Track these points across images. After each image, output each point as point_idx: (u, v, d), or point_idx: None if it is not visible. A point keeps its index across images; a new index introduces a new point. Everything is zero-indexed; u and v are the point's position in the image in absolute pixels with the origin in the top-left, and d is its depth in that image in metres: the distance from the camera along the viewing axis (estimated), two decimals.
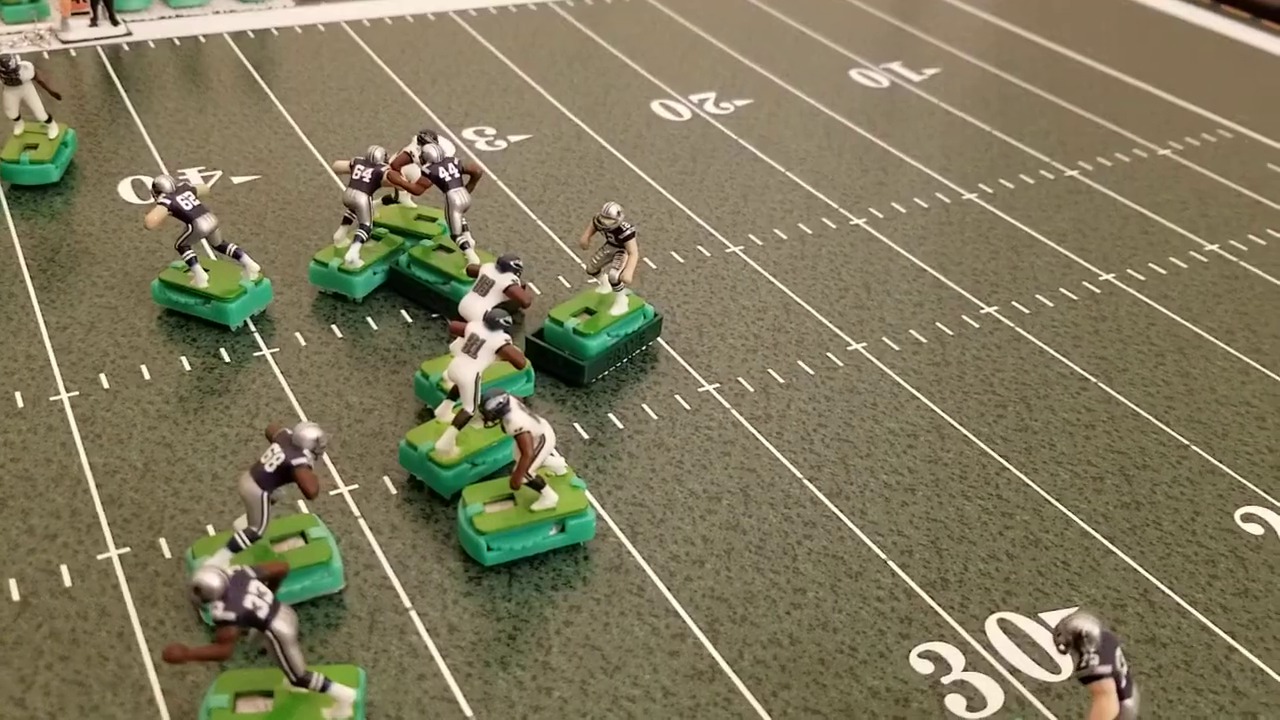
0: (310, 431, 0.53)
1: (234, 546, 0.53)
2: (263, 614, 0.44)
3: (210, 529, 0.58)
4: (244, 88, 1.04)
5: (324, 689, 0.47)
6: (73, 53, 1.07)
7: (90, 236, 0.81)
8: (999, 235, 0.90)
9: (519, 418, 0.56)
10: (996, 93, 1.14)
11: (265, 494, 0.52)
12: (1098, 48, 1.26)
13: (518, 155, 0.96)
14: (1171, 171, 1.01)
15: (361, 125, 0.99)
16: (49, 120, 0.86)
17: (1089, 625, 0.44)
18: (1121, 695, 0.44)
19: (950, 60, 1.21)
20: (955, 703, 0.53)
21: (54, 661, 0.51)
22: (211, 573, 0.44)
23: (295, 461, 0.52)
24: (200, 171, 0.89)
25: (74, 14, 1.09)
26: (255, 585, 0.45)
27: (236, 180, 0.89)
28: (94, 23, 1.09)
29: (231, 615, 0.44)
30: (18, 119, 0.86)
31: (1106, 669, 0.44)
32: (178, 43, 1.11)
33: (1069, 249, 0.89)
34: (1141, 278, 0.86)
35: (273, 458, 0.52)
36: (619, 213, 0.70)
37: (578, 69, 1.13)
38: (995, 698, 0.53)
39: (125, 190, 0.87)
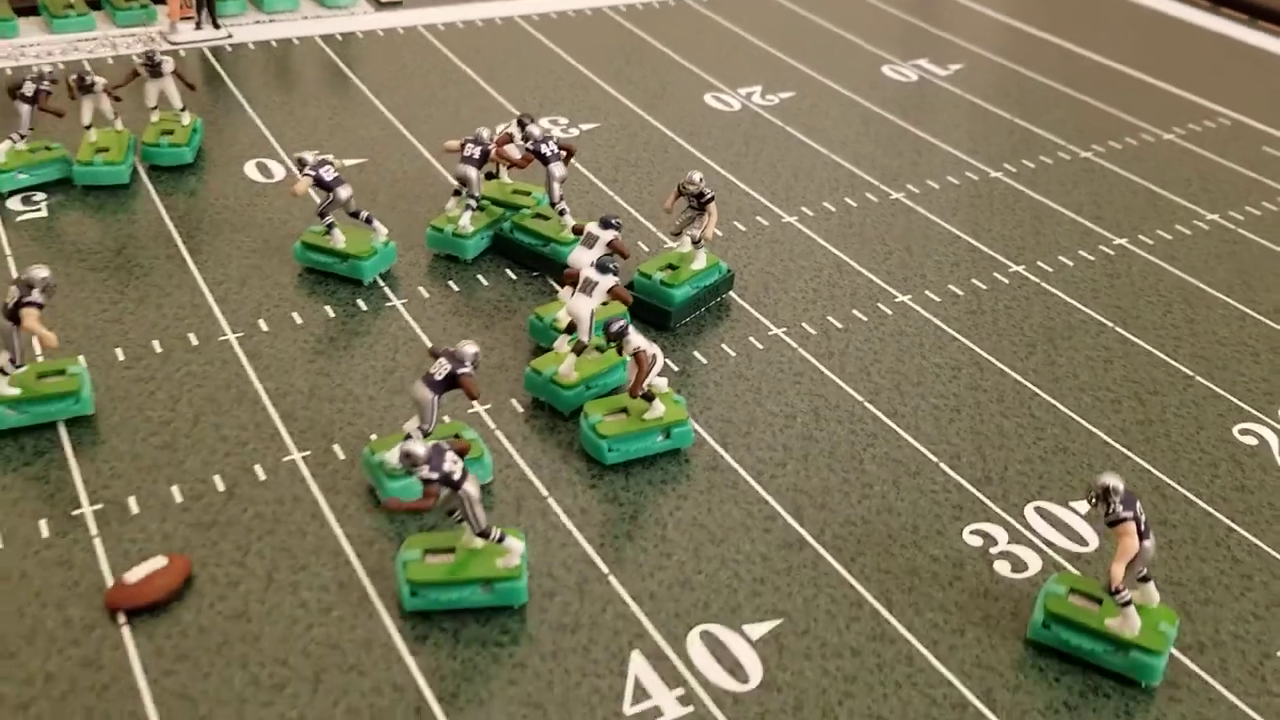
0: (470, 348, 0.64)
1: (408, 438, 0.64)
2: (457, 477, 0.56)
3: (373, 436, 0.69)
4: (339, 83, 1.16)
5: (500, 540, 0.58)
6: (181, 53, 1.19)
7: (227, 209, 0.93)
8: (1023, 207, 1.01)
9: (636, 339, 0.67)
10: (1016, 85, 1.26)
11: (436, 398, 0.63)
12: (1107, 46, 1.38)
13: (590, 141, 1.08)
14: (1176, 153, 1.13)
15: (447, 116, 1.10)
16: (183, 109, 0.98)
17: (1115, 481, 0.56)
18: (1141, 537, 0.55)
19: (973, 57, 1.33)
20: (1001, 566, 0.64)
21: (263, 535, 0.63)
22: (417, 443, 0.55)
23: (460, 371, 0.63)
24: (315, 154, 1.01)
25: (181, 19, 1.21)
26: (450, 455, 0.56)
27: (347, 162, 1.00)
28: (198, 26, 1.21)
29: (435, 476, 0.55)
30: (155, 108, 0.98)
31: (1129, 514, 0.55)
32: (274, 44, 1.23)
33: (1085, 218, 1.00)
34: (1150, 242, 0.97)
35: (440, 369, 0.63)
36: (701, 179, 0.81)
37: (635, 66, 1.24)
38: (1035, 563, 0.64)
39: (250, 170, 0.98)
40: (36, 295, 0.65)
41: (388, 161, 1.01)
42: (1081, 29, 1.43)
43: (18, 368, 0.67)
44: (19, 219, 0.89)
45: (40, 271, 0.66)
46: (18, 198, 0.91)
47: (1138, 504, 0.56)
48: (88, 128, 0.94)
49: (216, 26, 1.22)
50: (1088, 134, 1.16)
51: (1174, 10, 1.52)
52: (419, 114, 1.11)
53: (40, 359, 0.73)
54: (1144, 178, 1.08)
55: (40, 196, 0.92)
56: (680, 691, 0.56)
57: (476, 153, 0.87)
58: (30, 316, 0.65)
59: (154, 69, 0.95)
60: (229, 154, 1.01)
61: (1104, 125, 1.18)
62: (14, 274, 0.82)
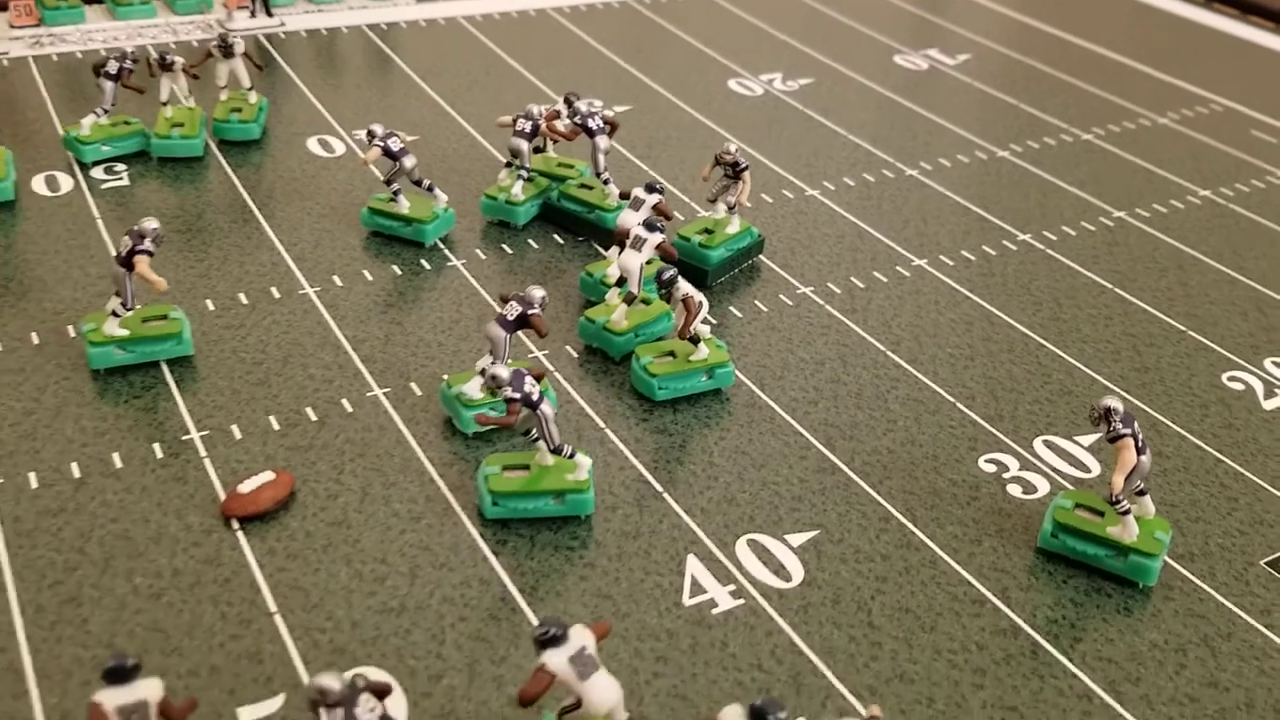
0: (538, 291, 0.71)
1: (484, 373, 0.71)
2: (535, 397, 0.63)
3: (445, 377, 0.77)
4: (387, 69, 1.23)
5: (570, 456, 0.65)
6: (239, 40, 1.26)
7: (295, 180, 1.00)
8: (1029, 182, 1.09)
9: (685, 286, 0.75)
10: (1021, 74, 1.33)
11: (507, 336, 0.71)
12: (1107, 38, 1.45)
13: (624, 121, 1.15)
14: (1170, 136, 1.20)
15: (490, 99, 1.18)
16: (251, 89, 1.06)
17: (1115, 403, 0.63)
18: (1139, 452, 0.63)
19: (980, 48, 1.40)
20: (1013, 489, 0.71)
21: (354, 458, 0.70)
22: (501, 368, 0.63)
23: (530, 311, 0.70)
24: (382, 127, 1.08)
25: (238, 8, 1.28)
26: (529, 379, 0.63)
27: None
28: (253, 14, 1.29)
29: (517, 395, 0.62)
30: (224, 87, 1.05)
31: (1128, 430, 0.62)
32: (324, 32, 1.30)
33: (1087, 193, 1.07)
34: (1147, 215, 1.05)
35: (512, 310, 0.71)
36: (736, 149, 0.89)
37: (662, 55, 1.32)
38: (1044, 487, 0.72)
39: (313, 146, 1.06)
40: (148, 244, 0.73)
41: (437, 139, 1.09)
42: (1082, 22, 1.51)
43: (128, 310, 0.74)
44: (103, 186, 0.97)
45: (151, 223, 0.73)
46: (101, 168, 0.99)
47: (1135, 423, 0.63)
48: (165, 104, 1.01)
49: (270, 15, 1.29)
50: (1088, 118, 1.23)
51: (1170, 6, 1.60)
52: (463, 97, 1.18)
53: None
54: (1141, 158, 1.15)
55: (121, 167, 0.99)
56: (732, 587, 0.63)
57: (527, 127, 0.95)
58: (142, 263, 0.72)
59: (226, 50, 1.02)
60: (290, 131, 1.08)
61: (1104, 110, 1.25)
62: (104, 235, 0.90)
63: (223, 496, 0.66)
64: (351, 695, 0.45)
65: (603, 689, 0.49)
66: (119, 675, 0.45)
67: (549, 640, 0.48)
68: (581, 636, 0.49)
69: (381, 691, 0.47)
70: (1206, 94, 1.31)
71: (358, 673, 0.47)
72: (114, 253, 0.74)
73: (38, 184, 0.96)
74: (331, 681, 0.45)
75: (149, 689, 0.45)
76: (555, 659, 0.48)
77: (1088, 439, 0.76)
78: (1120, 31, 1.49)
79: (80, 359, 0.76)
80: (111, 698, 0.45)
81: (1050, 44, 1.43)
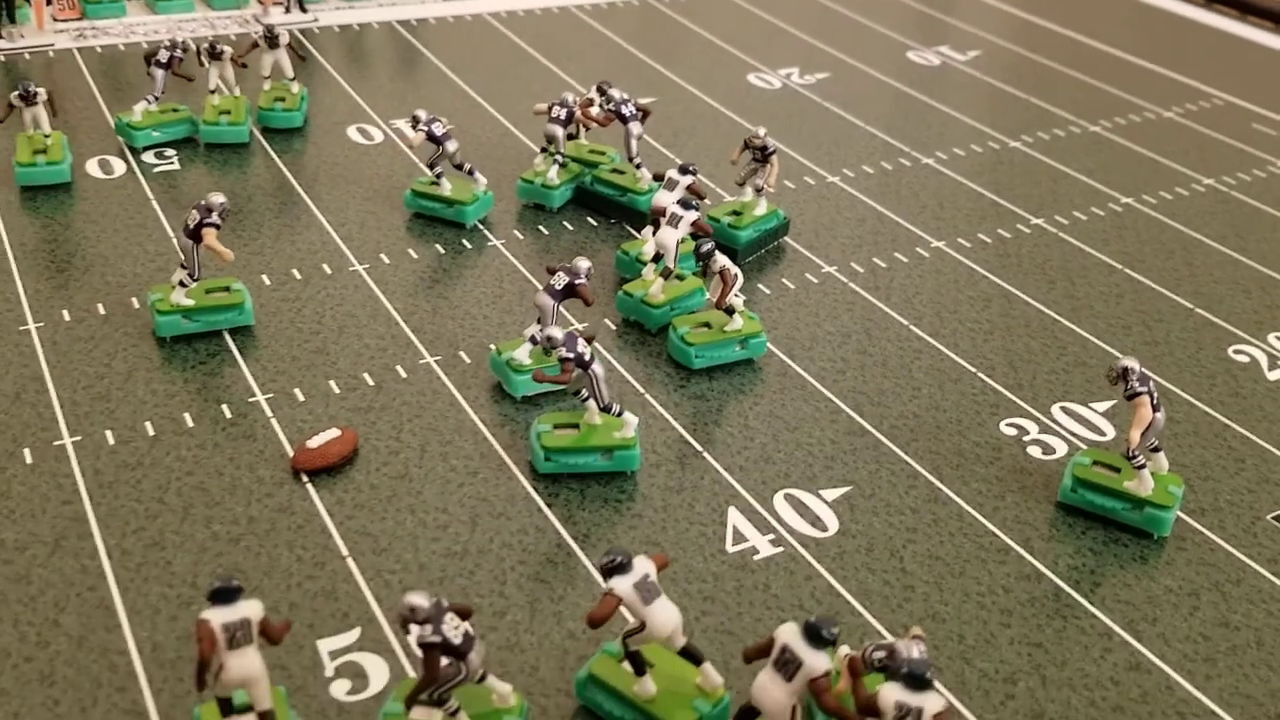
0: (584, 262, 0.75)
1: (533, 340, 0.75)
2: (588, 357, 0.67)
3: (491, 346, 0.81)
4: (419, 62, 1.27)
5: (619, 414, 0.69)
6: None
7: (337, 165, 1.04)
8: (1040, 171, 1.13)
9: (721, 259, 0.79)
10: (1030, 70, 1.38)
11: (555, 304, 0.75)
12: (1113, 36, 1.50)
13: (648, 120, 1.19)
14: (1175, 128, 1.25)
15: (519, 90, 1.22)
16: (293, 79, 1.10)
17: (1132, 363, 0.67)
18: (1154, 409, 0.67)
19: (989, 45, 1.45)
20: (1034, 450, 0.75)
21: (411, 418, 0.74)
22: (557, 330, 0.67)
23: (577, 281, 0.74)
24: (406, 122, 1.13)
25: (274, 4, 1.33)
26: (581, 341, 0.67)
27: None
28: (288, 10, 1.33)
29: (570, 355, 0.66)
30: (267, 77, 1.10)
31: (1144, 389, 0.66)
32: (356, 28, 1.35)
33: (1096, 181, 1.12)
34: (1154, 201, 1.09)
35: (559, 280, 0.75)
36: (765, 133, 0.93)
37: (683, 50, 1.36)
38: (1061, 448, 0.76)
39: (353, 134, 1.10)
40: (215, 217, 0.76)
41: (471, 128, 1.13)
42: (1089, 21, 1.55)
43: (195, 281, 0.78)
44: (154, 170, 1.01)
45: (217, 197, 0.77)
46: (151, 152, 1.03)
47: (1150, 382, 0.68)
48: (212, 92, 1.05)
49: (304, 10, 1.34)
50: (1096, 111, 1.27)
51: (1172, 6, 1.65)
52: (494, 88, 1.22)
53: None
54: (1146, 148, 1.19)
55: (171, 152, 1.03)
56: (772, 536, 0.67)
57: (563, 114, 0.99)
58: (210, 235, 0.76)
59: (272, 40, 1.06)
60: (330, 120, 1.12)
61: (1110, 104, 1.30)
62: (160, 215, 0.94)
63: (290, 453, 0.70)
64: (438, 613, 0.49)
65: (664, 613, 0.53)
66: (224, 595, 0.49)
67: (615, 568, 0.52)
68: (644, 565, 0.53)
69: (464, 612, 0.51)
70: (1209, 89, 1.35)
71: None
72: (177, 227, 0.78)
73: (91, 167, 1.00)
74: (421, 600, 0.49)
75: (251, 609, 0.49)
76: (621, 585, 0.52)
77: (1103, 405, 0.80)
78: (1125, 30, 1.54)
79: (146, 328, 0.80)
80: (217, 615, 0.49)
81: (1058, 42, 1.48)
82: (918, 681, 0.46)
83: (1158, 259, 0.99)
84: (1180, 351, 0.87)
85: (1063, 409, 0.80)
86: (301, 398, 0.75)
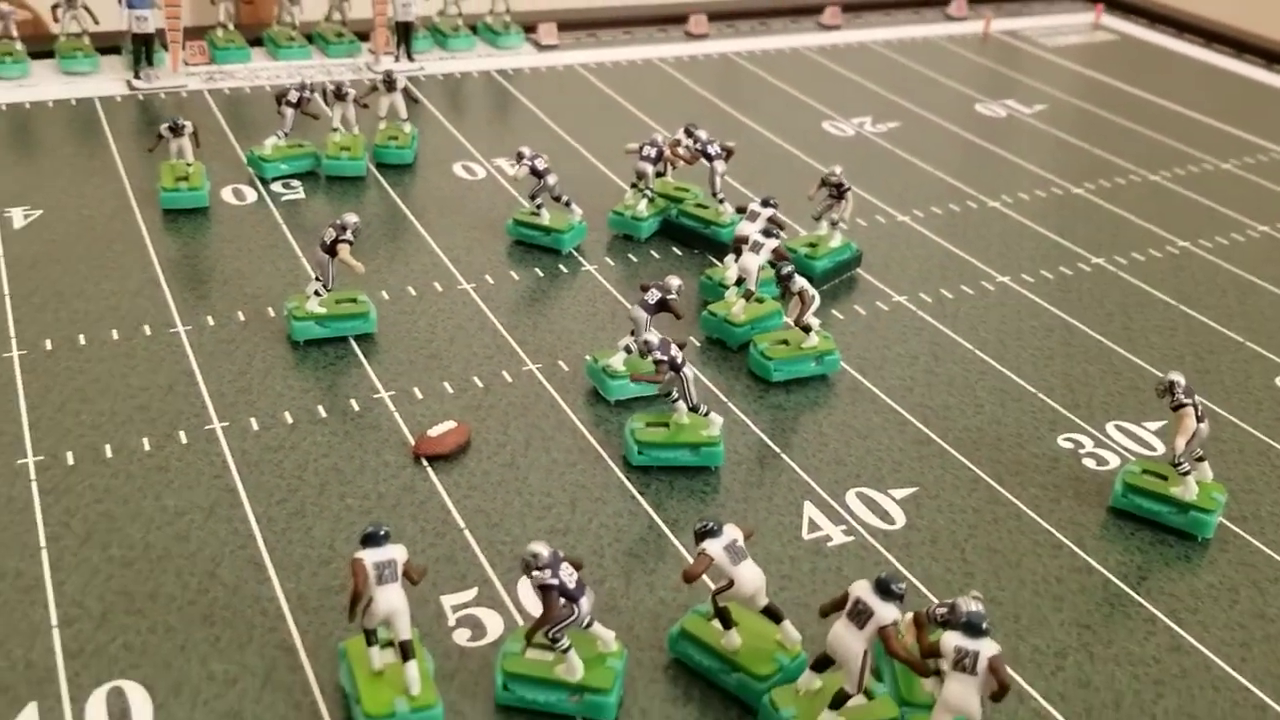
0: (675, 280, 0.83)
1: (627, 350, 0.83)
2: (680, 360, 0.75)
3: (587, 357, 0.89)
4: (515, 107, 1.37)
5: (706, 414, 0.76)
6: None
7: (445, 198, 1.14)
8: (1101, 216, 1.19)
9: (800, 280, 0.86)
10: (1093, 123, 1.44)
11: (649, 317, 0.83)
12: (1174, 93, 1.56)
13: (731, 159, 1.27)
14: (1232, 179, 1.30)
15: (609, 134, 1.31)
16: (406, 120, 1.20)
17: (1178, 376, 0.73)
18: (1198, 420, 0.73)
19: (1054, 100, 1.52)
20: (1088, 462, 0.81)
21: (516, 416, 0.82)
22: (654, 335, 0.75)
23: (669, 297, 0.82)
24: (507, 161, 1.22)
25: (384, 53, 1.44)
26: (674, 346, 0.75)
27: None
28: (396, 59, 1.44)
29: (664, 358, 0.74)
30: (383, 118, 1.20)
31: (1189, 400, 0.72)
32: (457, 76, 1.45)
33: (1154, 225, 1.18)
34: (1210, 245, 1.15)
35: (653, 296, 0.83)
36: (841, 171, 1.01)
37: (761, 100, 1.45)
38: (1114, 461, 0.82)
39: (458, 170, 1.20)
40: (349, 234, 0.86)
41: (563, 166, 1.21)
42: (1151, 80, 1.62)
43: (328, 291, 0.87)
44: (282, 199, 1.11)
45: (351, 216, 0.87)
46: (279, 183, 1.14)
47: (1195, 395, 0.74)
48: (334, 130, 1.16)
49: (411, 59, 1.45)
50: (1156, 162, 1.34)
51: (1235, 66, 1.71)
52: (585, 131, 1.31)
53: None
54: (1204, 196, 1.25)
55: (296, 183, 1.14)
56: (844, 527, 0.74)
57: (652, 152, 1.07)
58: (344, 250, 0.85)
59: (390, 84, 1.16)
60: (438, 157, 1.22)
61: (1171, 156, 1.36)
62: (288, 237, 1.03)
63: (412, 442, 0.78)
64: (555, 561, 0.57)
65: (750, 573, 0.59)
66: (374, 539, 0.57)
67: (707, 532, 0.59)
68: (733, 531, 0.60)
69: (577, 564, 0.58)
70: (1267, 144, 1.40)
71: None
72: (304, 249, 0.87)
73: (226, 194, 1.11)
74: (542, 548, 0.56)
75: (396, 551, 0.57)
76: (713, 546, 0.59)
77: (1155, 424, 0.86)
78: (1188, 89, 1.60)
79: (281, 333, 0.89)
80: (368, 555, 0.56)
81: (1121, 98, 1.54)
82: (975, 629, 0.53)
83: (1211, 297, 1.05)
84: (1229, 379, 0.93)
85: (1116, 427, 0.86)
86: (420, 395, 0.83)
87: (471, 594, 0.67)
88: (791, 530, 0.74)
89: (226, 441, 0.78)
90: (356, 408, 0.82)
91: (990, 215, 1.18)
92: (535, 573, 0.56)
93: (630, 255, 1.06)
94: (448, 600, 0.66)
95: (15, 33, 1.36)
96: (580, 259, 1.04)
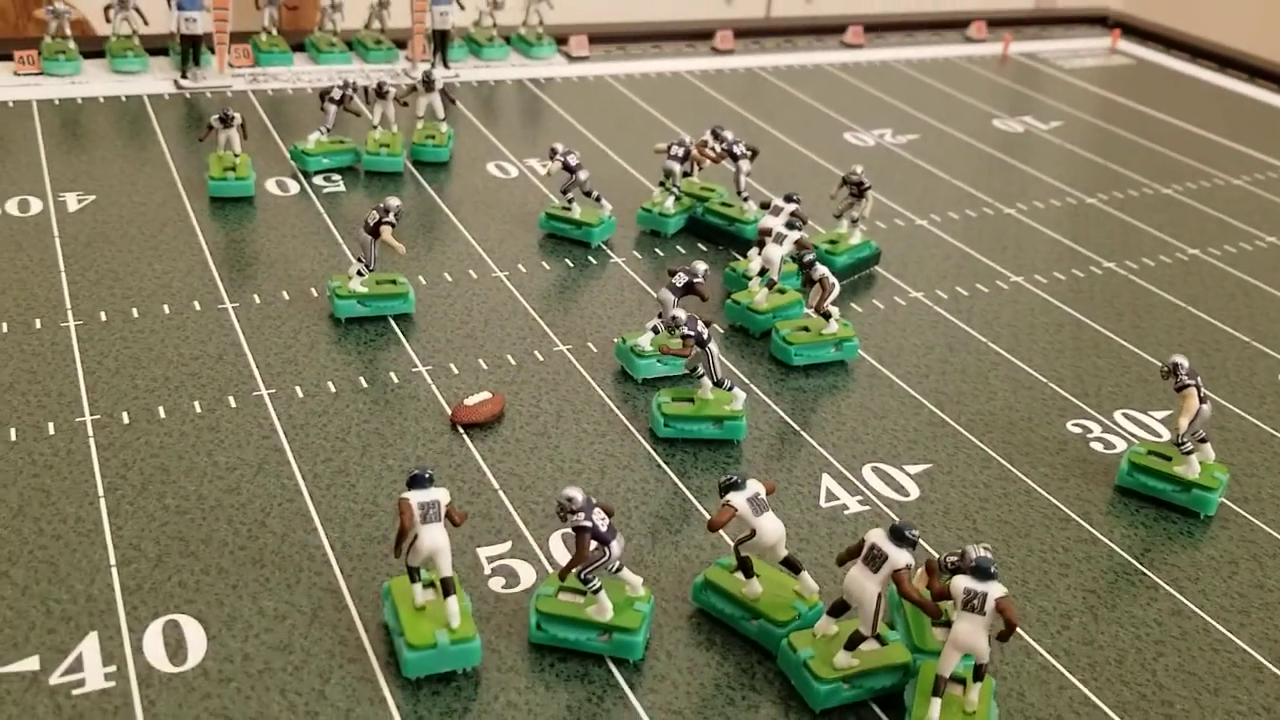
0: (700, 265, 0.87)
1: (654, 330, 0.87)
2: (706, 336, 0.79)
3: (616, 339, 0.92)
4: (547, 113, 1.42)
5: (729, 389, 0.80)
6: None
7: (479, 193, 1.18)
8: (1114, 224, 1.23)
9: (821, 268, 0.90)
10: (1109, 139, 1.48)
11: (675, 299, 0.86)
12: (1186, 113, 1.60)
13: (756, 160, 1.32)
14: (1241, 194, 1.34)
15: (637, 138, 1.35)
16: (443, 119, 1.24)
17: (1181, 359, 0.77)
18: (1201, 400, 0.76)
19: (1071, 117, 1.56)
20: (1096, 445, 0.85)
21: (547, 392, 0.86)
22: (681, 312, 0.78)
23: (695, 280, 0.86)
24: (539, 161, 1.27)
25: (421, 60, 1.49)
26: (700, 322, 0.79)
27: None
28: (433, 66, 1.49)
29: (690, 333, 0.78)
30: (421, 117, 1.25)
31: (1192, 381, 0.76)
32: (491, 83, 1.50)
33: (1165, 234, 1.21)
34: (1218, 253, 1.18)
35: (680, 279, 0.87)
36: (862, 170, 1.05)
37: (783, 111, 1.49)
38: (1121, 445, 0.85)
39: (491, 169, 1.24)
40: (391, 217, 0.90)
41: (592, 168, 1.26)
42: (1165, 100, 1.66)
43: (370, 271, 0.91)
44: (323, 191, 1.16)
45: (394, 200, 0.91)
46: (320, 176, 1.18)
47: (1198, 377, 0.77)
48: (375, 127, 1.21)
49: (447, 67, 1.50)
50: (1168, 176, 1.37)
51: (1246, 90, 1.74)
52: (614, 136, 1.36)
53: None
54: (1214, 209, 1.29)
55: (336, 177, 1.18)
56: (860, 498, 0.77)
57: (680, 152, 1.12)
58: (386, 231, 0.90)
59: (429, 85, 1.21)
60: (472, 156, 1.27)
61: (1182, 171, 1.39)
62: (330, 225, 1.08)
63: (449, 412, 0.82)
64: (589, 506, 0.60)
65: (771, 524, 0.63)
66: (420, 481, 0.60)
67: (732, 485, 0.63)
68: (756, 485, 0.64)
69: (609, 510, 0.62)
70: (1276, 162, 1.44)
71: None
72: (345, 237, 0.91)
73: (270, 186, 1.16)
74: (576, 493, 0.60)
75: (440, 493, 0.61)
76: (737, 498, 0.63)
77: (1161, 413, 0.89)
78: (1202, 110, 1.64)
79: (324, 311, 0.94)
80: (414, 496, 0.60)
81: (1136, 117, 1.58)
82: (984, 573, 0.56)
83: (1219, 301, 1.08)
84: (1235, 375, 0.96)
85: (1124, 414, 0.89)
86: (456, 370, 0.87)
87: (506, 547, 0.71)
88: (809, 499, 0.77)
89: (273, 406, 0.82)
90: (395, 380, 0.86)
91: (1005, 221, 1.22)
92: (570, 516, 0.60)
93: (657, 250, 1.10)
94: (483, 552, 0.70)
95: (69, 32, 1.42)
96: (609, 252, 1.08)
